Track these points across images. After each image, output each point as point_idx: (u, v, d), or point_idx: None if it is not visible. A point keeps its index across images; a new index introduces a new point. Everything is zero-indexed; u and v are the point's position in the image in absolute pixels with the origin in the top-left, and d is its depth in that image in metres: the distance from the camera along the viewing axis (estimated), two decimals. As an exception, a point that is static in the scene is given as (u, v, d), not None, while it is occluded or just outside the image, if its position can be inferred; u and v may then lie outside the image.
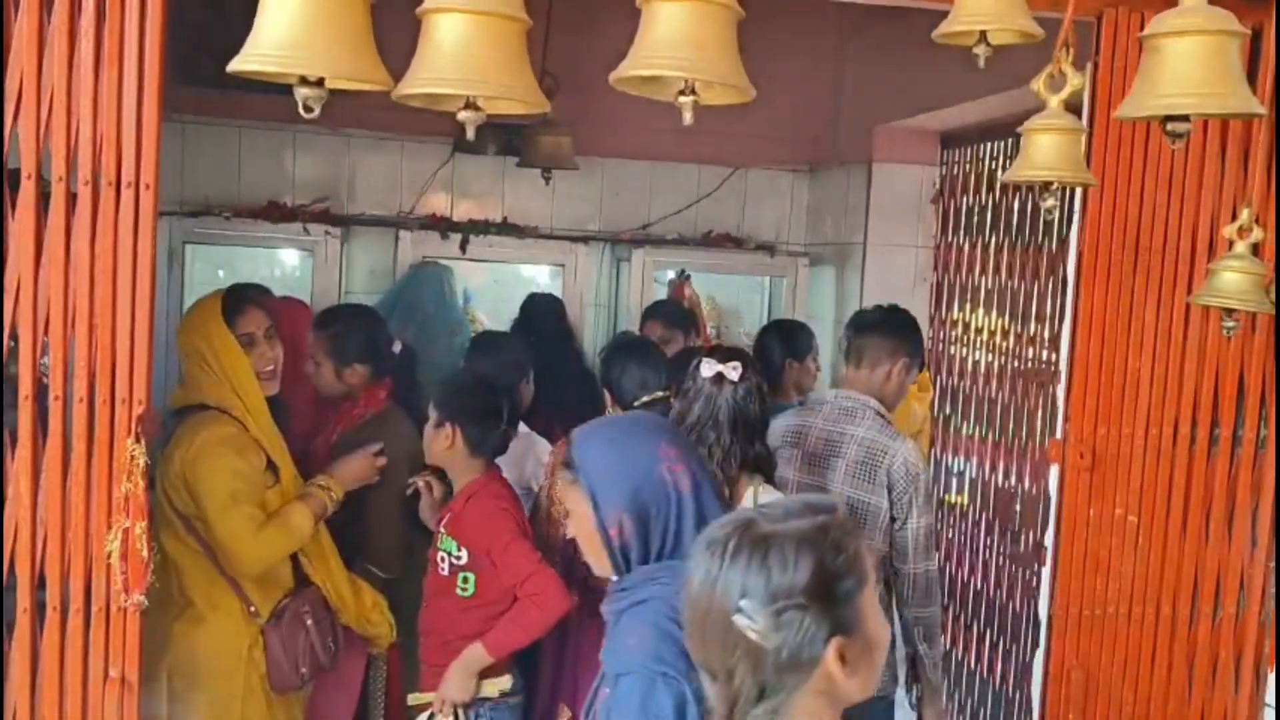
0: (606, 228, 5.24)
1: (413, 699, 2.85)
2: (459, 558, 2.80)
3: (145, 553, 2.16)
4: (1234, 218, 2.18)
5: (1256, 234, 2.03)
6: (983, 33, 1.94)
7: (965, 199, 4.77)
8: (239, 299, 2.89)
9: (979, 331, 4.66)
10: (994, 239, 4.57)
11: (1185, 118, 1.89)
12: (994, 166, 4.56)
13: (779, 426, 2.92)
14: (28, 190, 2.10)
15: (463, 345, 4.41)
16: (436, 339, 4.42)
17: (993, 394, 4.52)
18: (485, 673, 2.73)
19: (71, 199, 2.12)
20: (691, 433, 2.46)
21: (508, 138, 4.83)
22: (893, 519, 2.73)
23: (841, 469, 2.78)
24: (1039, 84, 2.06)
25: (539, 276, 5.19)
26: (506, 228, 5.00)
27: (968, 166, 4.76)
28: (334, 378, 3.27)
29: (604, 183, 5.24)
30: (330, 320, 3.38)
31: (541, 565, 2.69)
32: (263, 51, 1.65)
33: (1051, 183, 2.05)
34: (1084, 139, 2.01)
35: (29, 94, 2.08)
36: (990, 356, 4.57)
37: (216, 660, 2.74)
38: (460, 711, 2.72)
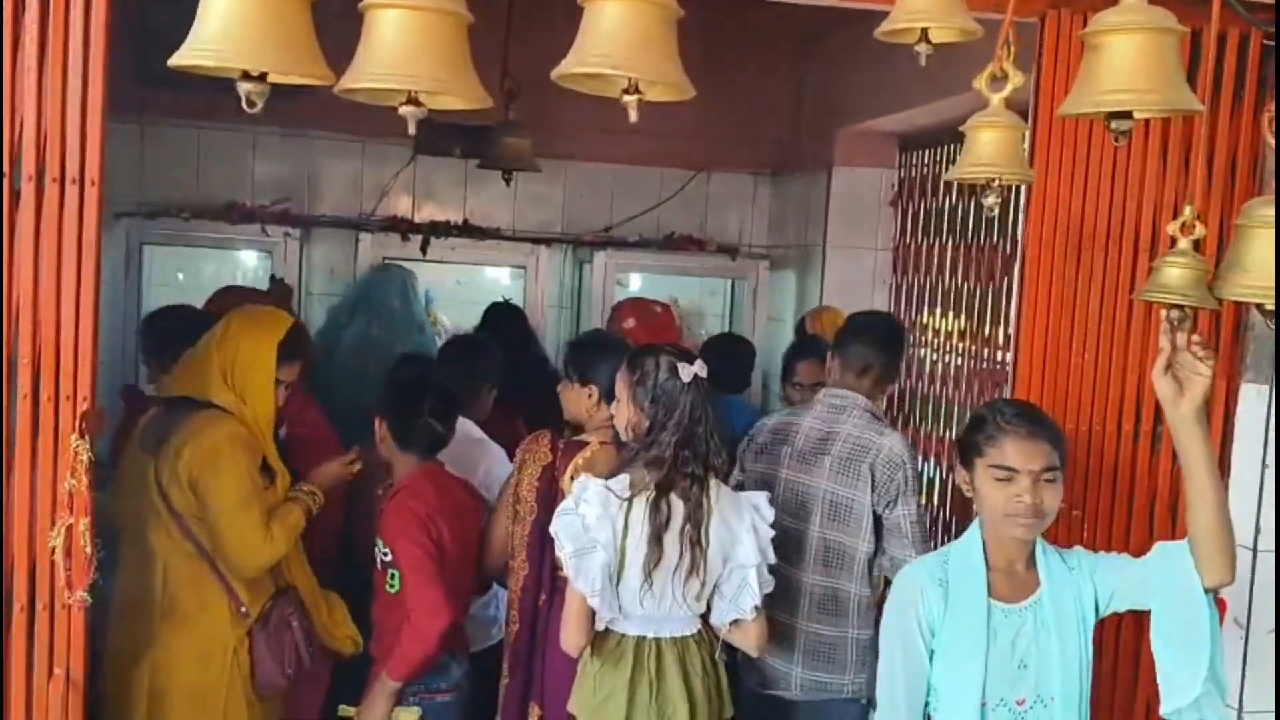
0: (569, 230, 5.26)
1: (342, 710, 2.83)
2: (385, 554, 2.81)
3: (89, 549, 2.15)
4: (1175, 215, 2.22)
5: (1199, 230, 2.06)
6: (924, 30, 1.97)
7: (923, 201, 4.82)
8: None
9: (937, 333, 4.70)
10: (950, 240, 4.62)
11: (1128, 114, 1.93)
12: (950, 170, 4.60)
13: (768, 425, 3.05)
14: (-29, 187, 2.09)
15: (425, 344, 4.42)
16: (402, 338, 4.41)
17: (950, 394, 4.56)
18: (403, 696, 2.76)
19: (15, 196, 2.11)
20: (675, 436, 2.45)
21: (470, 141, 4.84)
22: (876, 514, 2.79)
23: (827, 465, 2.85)
24: (981, 82, 2.09)
25: (501, 278, 5.20)
26: (468, 230, 5.01)
27: (925, 169, 4.81)
28: (161, 372, 3.21)
29: (566, 186, 5.26)
30: (148, 321, 3.53)
31: (424, 580, 2.69)
32: (203, 46, 1.65)
33: (993, 179, 2.08)
34: (1025, 136, 2.04)
35: (-29, 90, 2.07)
36: (949, 357, 4.62)
37: (203, 660, 2.74)
38: None
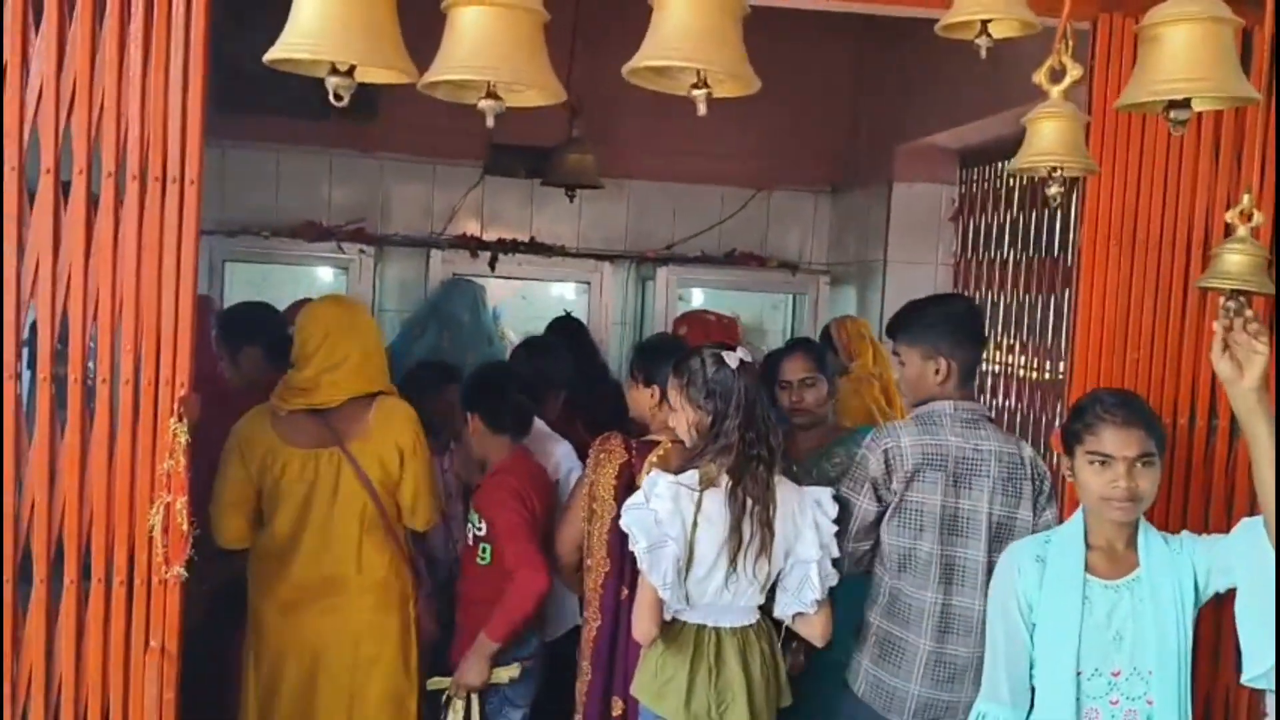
0: (632, 247, 5.37)
1: (432, 684, 2.98)
2: (480, 529, 3.00)
3: (185, 527, 2.27)
4: (1229, 207, 2.26)
5: (1257, 218, 2.10)
6: (984, 23, 2.05)
7: (984, 216, 4.86)
8: None
9: (998, 346, 4.73)
10: (1012, 254, 4.65)
11: (1186, 104, 1.98)
12: (1011, 184, 4.65)
13: (906, 446, 2.61)
14: (79, 186, 2.23)
15: (494, 355, 4.55)
16: (473, 349, 4.55)
17: (1012, 405, 4.58)
18: (496, 660, 2.92)
19: (120, 193, 2.25)
20: (738, 420, 2.53)
21: (536, 161, 4.99)
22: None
23: (988, 489, 2.59)
24: (1040, 76, 2.15)
25: (566, 294, 5.31)
26: (534, 246, 5.14)
27: (985, 184, 4.85)
28: (232, 365, 3.52)
29: (629, 204, 5.37)
30: (225, 314, 3.74)
31: (523, 544, 2.88)
32: (295, 41, 1.76)
33: (1056, 169, 2.14)
34: (1085, 127, 2.10)
35: (81, 95, 2.22)
36: (1011, 370, 4.64)
37: (404, 623, 3.04)
38: (474, 696, 2.87)
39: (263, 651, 2.96)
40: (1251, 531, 2.18)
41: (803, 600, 2.55)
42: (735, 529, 2.48)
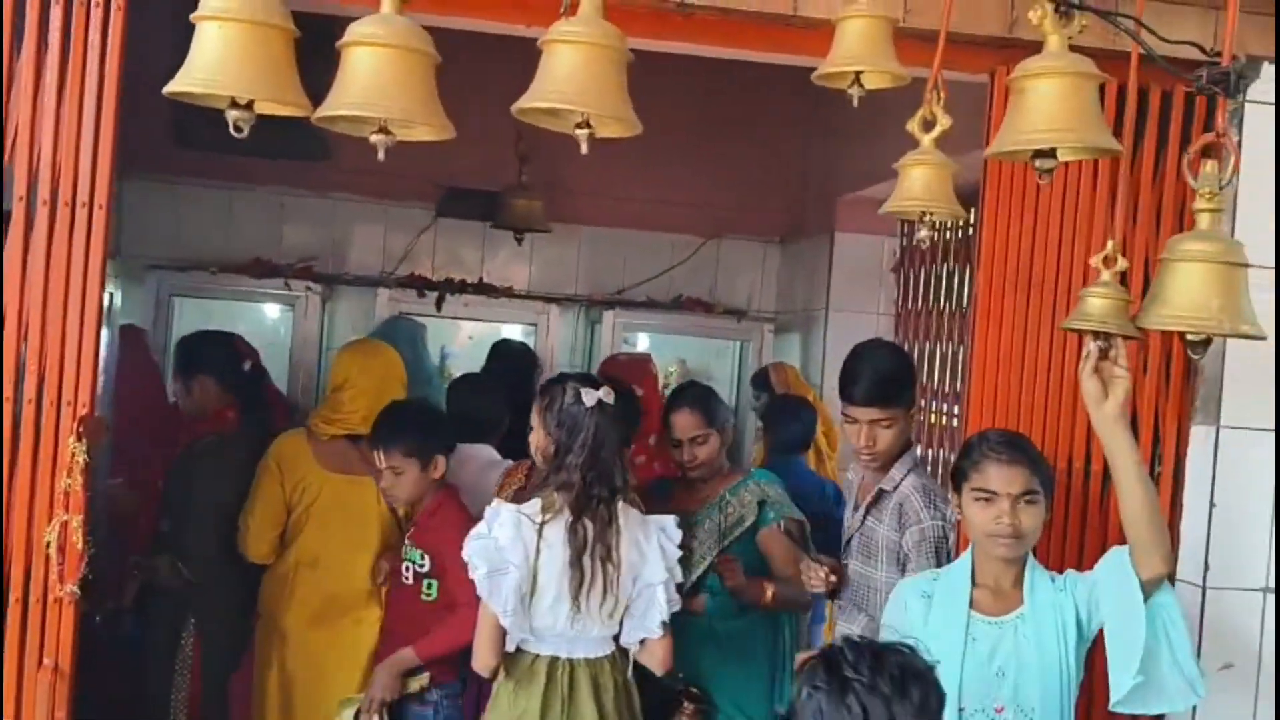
0: (583, 291, 5.45)
1: (342, 702, 3.03)
2: (423, 566, 3.05)
3: (80, 545, 2.31)
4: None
5: (1120, 263, 2.18)
6: (857, 75, 2.14)
7: (924, 268, 4.95)
8: None
9: (934, 394, 4.80)
10: (948, 306, 4.74)
11: (1053, 153, 2.07)
12: (948, 238, 4.75)
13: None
14: (-9, 209, 2.30)
15: (434, 395, 4.59)
16: (413, 386, 4.57)
17: (947, 455, 4.64)
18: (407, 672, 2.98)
19: (29, 217, 2.31)
20: (580, 458, 2.60)
21: (487, 205, 5.07)
22: None
23: None
24: (914, 125, 2.25)
25: (514, 335, 5.38)
26: (482, 287, 5.21)
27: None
28: (185, 393, 3.60)
29: (581, 249, 5.46)
30: (179, 345, 3.84)
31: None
32: (195, 76, 1.84)
33: (925, 213, 2.22)
34: (952, 174, 2.19)
35: (-6, 121, 2.29)
36: (948, 419, 4.70)
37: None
38: (384, 711, 2.89)
39: (287, 658, 3.25)
40: (1115, 558, 2.25)
41: (648, 625, 2.62)
42: (576, 563, 2.54)
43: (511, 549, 2.55)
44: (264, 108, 1.93)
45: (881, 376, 2.76)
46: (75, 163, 2.32)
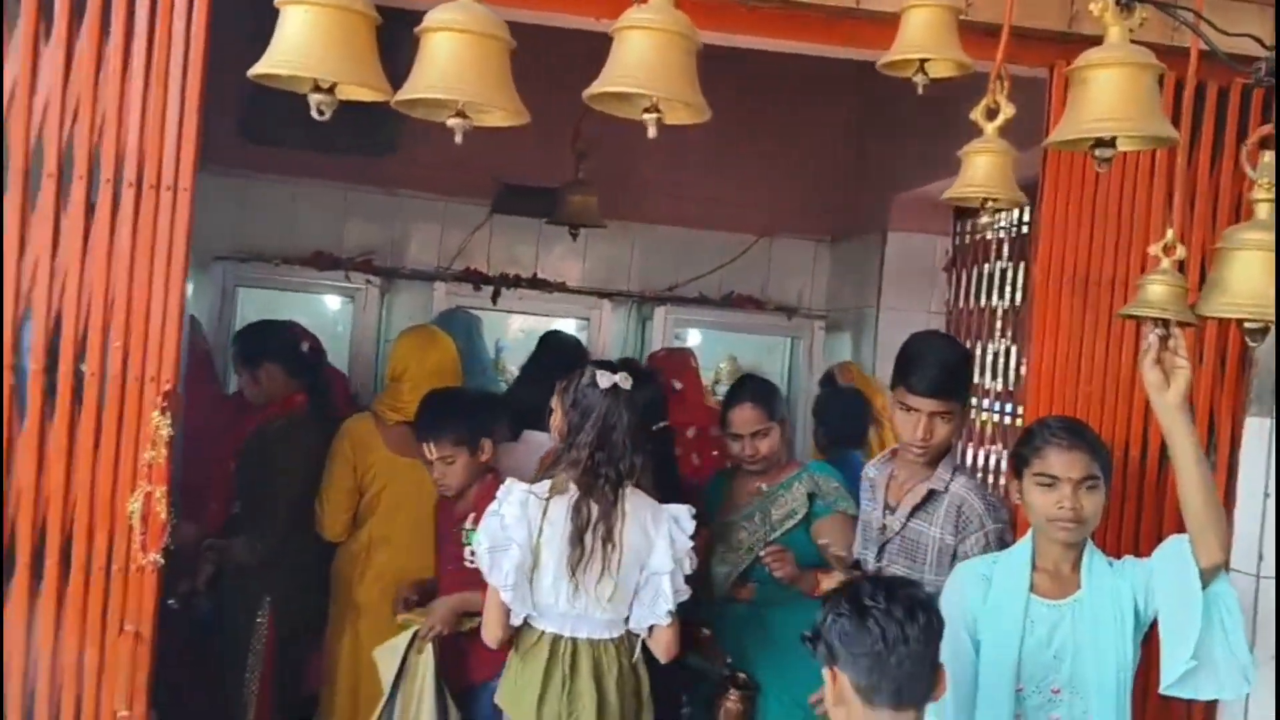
0: (634, 288, 5.51)
1: (401, 619, 3.15)
2: None
3: (164, 515, 2.40)
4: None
5: (1180, 252, 2.21)
6: (921, 63, 2.19)
7: (975, 267, 4.96)
8: None
9: (986, 393, 4.81)
10: (1000, 304, 4.75)
11: (1111, 144, 2.11)
12: (1000, 236, 4.77)
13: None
14: (78, 191, 2.40)
15: (489, 385, 4.68)
16: (468, 378, 4.66)
17: (999, 453, 4.65)
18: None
19: (116, 199, 2.41)
20: (591, 438, 2.67)
21: (543, 201, 5.15)
22: None
23: None
24: (977, 114, 2.29)
25: (567, 329, 5.44)
26: (536, 282, 5.29)
27: (977, 235, 4.97)
28: (252, 380, 3.70)
29: (634, 246, 5.52)
30: (239, 335, 3.96)
31: None
32: (280, 58, 1.92)
33: (986, 199, 2.26)
34: (1012, 161, 2.22)
35: (85, 106, 2.39)
36: (995, 416, 4.71)
37: None
38: (434, 643, 3.05)
39: (361, 630, 3.39)
40: (1174, 546, 2.28)
41: (656, 612, 2.67)
42: (577, 540, 2.60)
43: (516, 526, 2.63)
44: (346, 92, 2.01)
45: (947, 366, 2.71)
46: (160, 147, 2.41)
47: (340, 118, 1.98)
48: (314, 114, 1.98)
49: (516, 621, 2.69)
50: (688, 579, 2.71)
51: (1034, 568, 2.39)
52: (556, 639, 2.69)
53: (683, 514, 2.73)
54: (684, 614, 2.72)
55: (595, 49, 2.04)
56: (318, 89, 1.98)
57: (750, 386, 3.34)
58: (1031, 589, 2.38)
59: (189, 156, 2.43)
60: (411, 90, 1.99)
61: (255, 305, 5.01)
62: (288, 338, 3.82)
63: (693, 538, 2.72)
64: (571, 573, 2.62)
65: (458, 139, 2.07)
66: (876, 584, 1.95)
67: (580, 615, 2.67)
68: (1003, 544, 2.65)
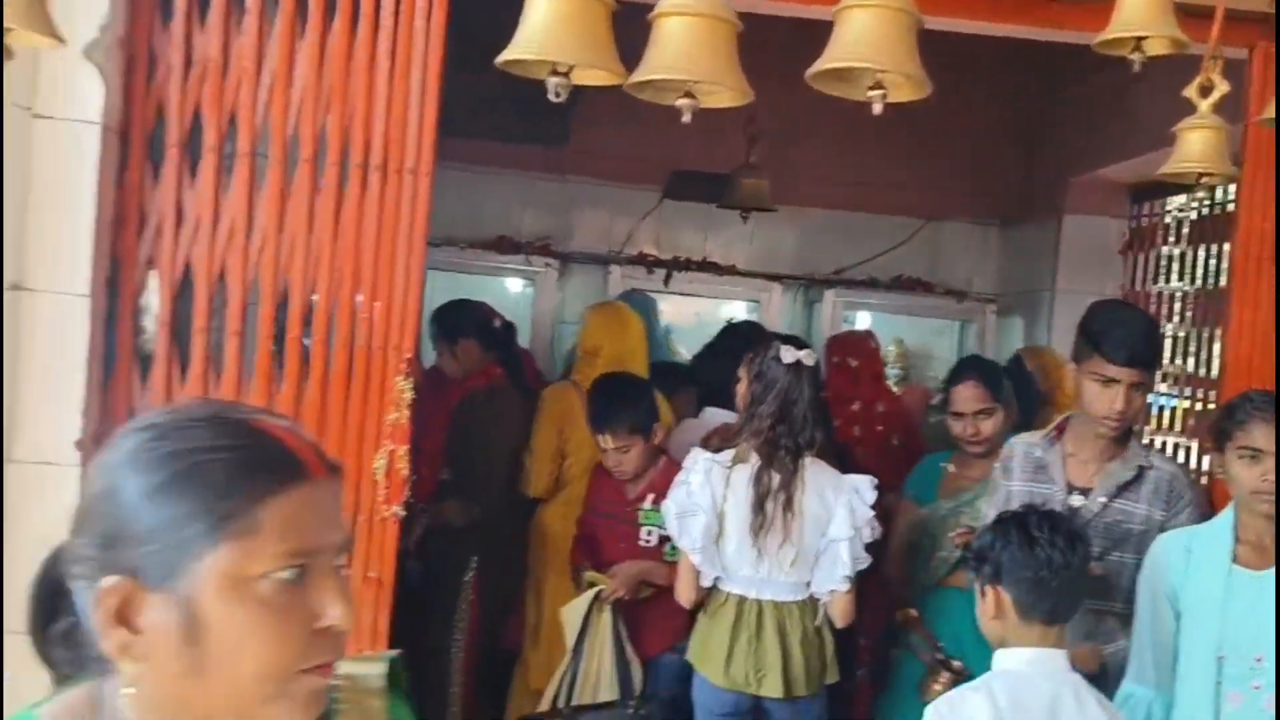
0: (803, 271, 5.60)
1: (589, 576, 3.30)
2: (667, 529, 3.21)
3: (404, 471, 2.60)
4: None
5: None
6: (1138, 41, 2.23)
7: (1154, 249, 4.90)
8: None
9: (1164, 378, 4.74)
10: (1180, 287, 4.68)
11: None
12: (1181, 217, 4.70)
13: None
14: (331, 176, 2.61)
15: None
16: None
17: (1175, 437, 4.60)
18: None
19: (364, 183, 2.62)
20: (772, 409, 2.78)
21: (712, 186, 5.28)
22: None
23: None
24: (1191, 91, 2.31)
25: (737, 313, 5.57)
26: (706, 266, 5.42)
27: (1156, 218, 4.90)
28: (450, 356, 3.92)
29: (800, 229, 5.60)
30: (439, 312, 4.12)
31: None
32: (522, 45, 2.08)
33: (1201, 175, 2.29)
34: (1227, 136, 2.25)
35: (336, 98, 2.60)
36: (1175, 401, 4.65)
37: None
38: (614, 606, 3.20)
39: (560, 589, 3.56)
40: None
41: (834, 577, 2.77)
42: (758, 508, 2.72)
43: (701, 493, 2.78)
44: (583, 75, 2.16)
45: (1144, 335, 2.62)
46: (403, 134, 2.61)
47: (517, 111, 2.13)
48: (550, 97, 2.14)
49: (706, 583, 2.84)
50: (869, 547, 2.81)
51: (1236, 539, 2.41)
52: (742, 600, 2.83)
53: (864, 484, 2.83)
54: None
55: (766, 36, 2.12)
56: (555, 73, 2.13)
57: (974, 365, 3.39)
58: (1234, 560, 2.39)
59: (428, 142, 2.62)
60: (646, 72, 2.12)
61: (443, 288, 5.27)
62: (482, 315, 4.04)
63: (873, 508, 2.81)
64: (754, 538, 2.75)
65: (686, 118, 2.18)
66: (1041, 516, 2.22)
67: (764, 579, 2.80)
68: (1203, 518, 2.65)
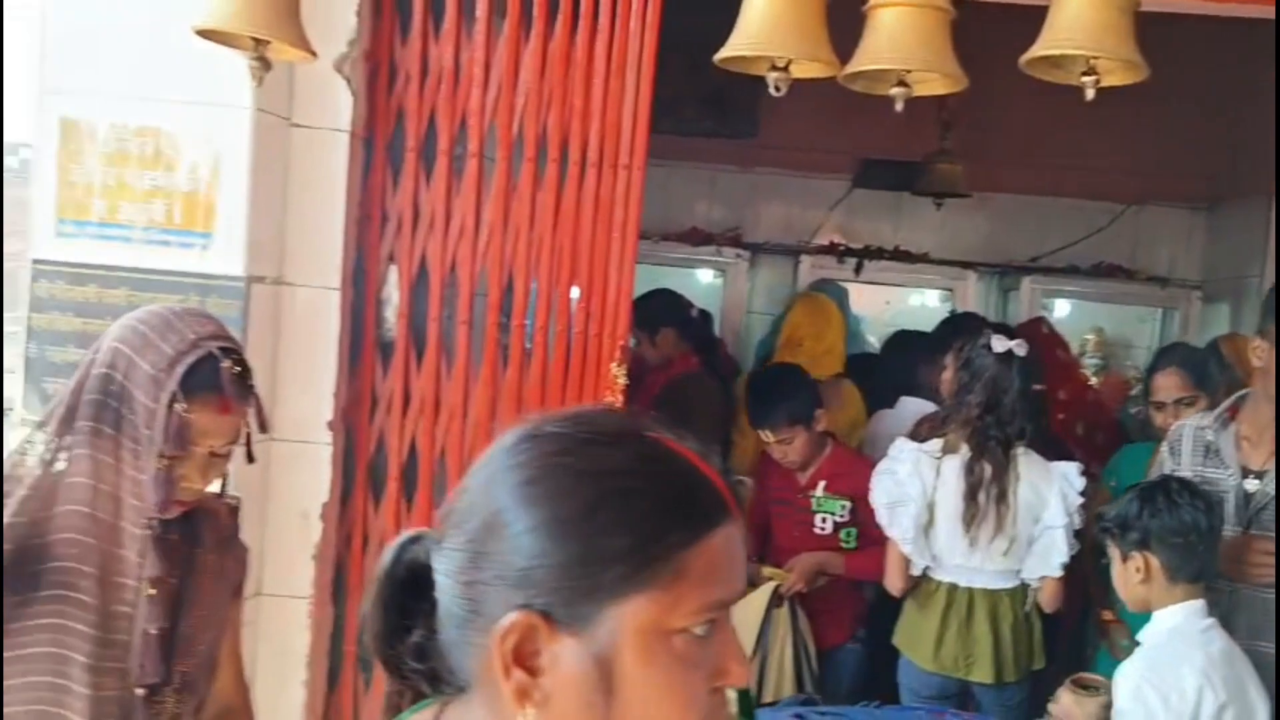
0: (996, 259, 5.51)
1: (767, 571, 3.30)
2: (842, 515, 3.27)
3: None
4: None
5: None
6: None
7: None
8: None
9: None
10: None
11: None
12: None
13: None
14: (551, 173, 2.76)
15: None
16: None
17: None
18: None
19: (580, 178, 2.75)
20: (980, 399, 2.76)
21: (903, 174, 5.26)
22: None
23: None
24: None
25: (928, 302, 5.53)
26: (898, 254, 5.40)
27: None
28: (650, 344, 4.02)
29: (994, 216, 5.52)
30: (638, 301, 4.18)
31: None
32: (739, 42, 2.17)
33: None
34: None
35: (557, 97, 2.74)
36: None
37: None
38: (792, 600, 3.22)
39: None
40: None
41: (1049, 564, 2.76)
42: (970, 498, 2.70)
43: (910, 483, 2.78)
44: (799, 69, 2.23)
45: None
46: (617, 131, 2.74)
47: (705, 105, 2.21)
48: (771, 91, 2.22)
49: (916, 572, 2.87)
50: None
51: None
52: (953, 588, 2.85)
53: (1071, 471, 2.81)
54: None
55: (960, 19, 2.13)
56: (774, 68, 2.21)
57: (1176, 353, 3.29)
58: None
59: (641, 138, 2.73)
60: (862, 62, 2.18)
61: (638, 280, 5.42)
62: (680, 305, 4.15)
63: (1082, 494, 2.79)
64: (966, 529, 2.76)
65: (898, 107, 2.23)
66: (1179, 482, 2.37)
67: (976, 568, 2.81)
68: None
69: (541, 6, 2.70)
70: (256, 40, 2.13)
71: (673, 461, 0.87)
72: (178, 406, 1.50)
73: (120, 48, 2.50)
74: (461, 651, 0.87)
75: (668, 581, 0.82)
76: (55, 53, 2.52)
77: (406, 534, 0.93)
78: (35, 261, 2.53)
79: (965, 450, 2.79)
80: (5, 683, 1.49)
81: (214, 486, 1.66)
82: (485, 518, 0.86)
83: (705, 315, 4.30)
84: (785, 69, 2.21)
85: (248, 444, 1.66)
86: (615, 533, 0.82)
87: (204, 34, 2.13)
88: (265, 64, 2.18)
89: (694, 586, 0.83)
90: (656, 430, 0.90)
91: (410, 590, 0.90)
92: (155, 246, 2.52)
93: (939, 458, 2.81)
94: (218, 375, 1.54)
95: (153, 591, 1.53)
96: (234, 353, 1.59)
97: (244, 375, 1.59)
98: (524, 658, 0.83)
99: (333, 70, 2.56)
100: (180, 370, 1.52)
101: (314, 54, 2.24)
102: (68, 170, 2.52)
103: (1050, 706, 2.47)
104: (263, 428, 1.67)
